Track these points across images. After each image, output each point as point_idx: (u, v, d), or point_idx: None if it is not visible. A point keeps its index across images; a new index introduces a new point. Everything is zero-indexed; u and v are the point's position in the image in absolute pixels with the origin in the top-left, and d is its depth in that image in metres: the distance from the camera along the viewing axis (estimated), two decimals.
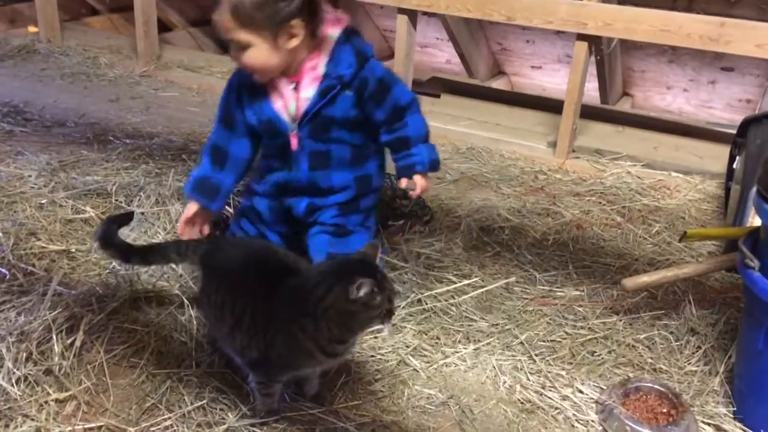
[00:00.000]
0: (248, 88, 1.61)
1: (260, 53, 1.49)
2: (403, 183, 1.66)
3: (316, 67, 1.55)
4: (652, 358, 1.67)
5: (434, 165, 1.68)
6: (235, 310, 1.35)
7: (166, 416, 1.40)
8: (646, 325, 1.78)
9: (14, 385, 1.41)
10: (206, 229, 1.77)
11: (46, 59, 3.74)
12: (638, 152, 2.82)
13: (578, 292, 1.92)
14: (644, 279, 1.74)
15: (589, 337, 1.74)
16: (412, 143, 1.64)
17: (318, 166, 1.65)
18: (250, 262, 1.42)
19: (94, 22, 4.53)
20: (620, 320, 1.80)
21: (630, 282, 1.74)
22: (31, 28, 4.17)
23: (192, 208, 1.71)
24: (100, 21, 4.56)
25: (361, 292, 1.20)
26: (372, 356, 1.63)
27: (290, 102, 1.58)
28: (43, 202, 2.12)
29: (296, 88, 1.57)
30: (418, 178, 1.65)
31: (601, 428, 1.47)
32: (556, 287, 1.95)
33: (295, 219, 1.76)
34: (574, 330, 1.77)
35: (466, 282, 1.93)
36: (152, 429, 1.38)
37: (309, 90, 1.56)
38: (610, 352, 1.69)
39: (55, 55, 3.78)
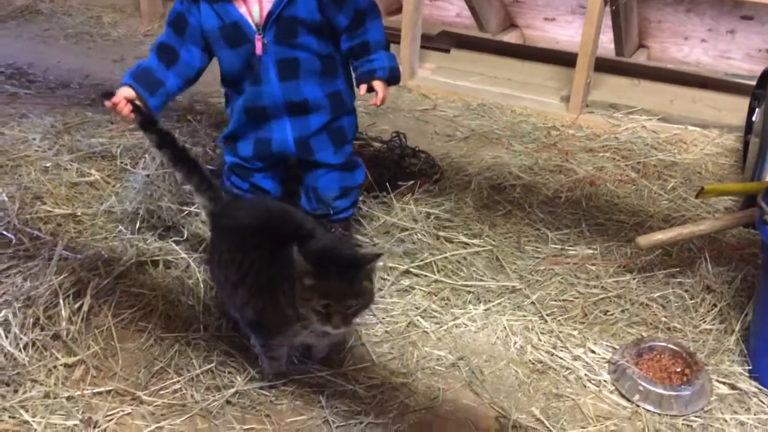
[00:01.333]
0: None
1: None
2: (363, 90, 1.64)
3: None
4: (666, 317, 1.64)
5: (394, 73, 1.65)
6: (242, 267, 1.33)
7: (174, 380, 1.40)
8: (661, 283, 1.75)
9: (22, 350, 1.40)
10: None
11: (49, 19, 3.68)
12: (654, 106, 2.74)
13: (591, 251, 1.89)
14: (659, 236, 1.70)
15: (601, 296, 1.71)
16: (372, 49, 1.63)
17: (287, 76, 1.62)
18: (266, 223, 1.39)
19: None
20: (634, 279, 1.77)
21: (644, 240, 1.70)
22: None
23: (125, 92, 1.56)
24: None
25: (294, 256, 1.18)
26: (382, 318, 1.62)
27: (253, 6, 1.57)
28: (47, 165, 2.11)
29: None
30: (377, 84, 1.62)
31: (613, 388, 1.45)
32: (569, 246, 1.91)
33: (289, 163, 1.75)
34: (587, 289, 1.74)
35: (476, 242, 1.90)
36: (161, 393, 1.38)
37: None
38: (623, 312, 1.66)
39: (58, 15, 3.72)
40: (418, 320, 1.62)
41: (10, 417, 1.29)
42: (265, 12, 1.56)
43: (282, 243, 1.28)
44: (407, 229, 1.93)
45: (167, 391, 1.38)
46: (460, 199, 2.11)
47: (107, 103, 1.55)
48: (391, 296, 1.69)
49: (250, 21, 1.57)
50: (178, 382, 1.40)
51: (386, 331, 1.58)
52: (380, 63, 1.62)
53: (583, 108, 2.72)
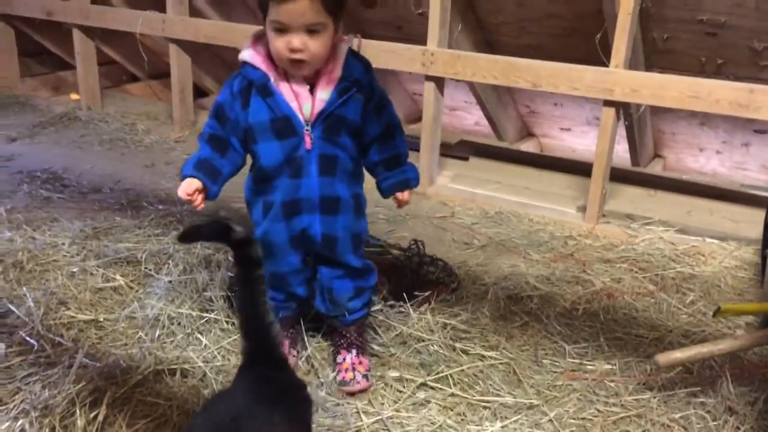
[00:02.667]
0: (260, 89, 1.65)
1: (326, 39, 1.58)
2: (399, 196, 1.78)
3: (333, 71, 1.65)
4: None
5: (419, 181, 1.82)
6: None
7: None
8: (682, 402, 1.71)
9: None
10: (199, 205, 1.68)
11: (86, 126, 3.87)
12: (671, 217, 2.77)
13: (610, 366, 1.86)
14: (678, 355, 1.68)
15: (621, 415, 1.68)
16: (403, 161, 1.78)
17: (326, 171, 1.69)
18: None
19: (134, 88, 4.70)
20: (654, 397, 1.73)
21: (663, 358, 1.68)
22: (73, 96, 4.35)
23: (194, 183, 1.63)
24: (140, 87, 4.74)
25: None
26: None
27: (305, 103, 1.65)
28: (74, 270, 2.16)
29: (311, 90, 1.65)
30: (407, 194, 1.78)
31: None
32: (587, 360, 1.89)
33: (311, 250, 1.79)
34: (606, 407, 1.70)
35: (493, 354, 1.89)
36: None
37: (325, 91, 1.65)
38: None
39: (95, 122, 3.92)
40: None
41: None
42: (317, 110, 1.65)
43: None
44: (424, 340, 1.93)
45: None
46: (477, 309, 2.11)
47: (181, 194, 1.63)
48: (407, 410, 1.68)
49: (300, 117, 1.66)
50: None
51: None
52: (413, 173, 1.78)
53: (599, 218, 2.75)
